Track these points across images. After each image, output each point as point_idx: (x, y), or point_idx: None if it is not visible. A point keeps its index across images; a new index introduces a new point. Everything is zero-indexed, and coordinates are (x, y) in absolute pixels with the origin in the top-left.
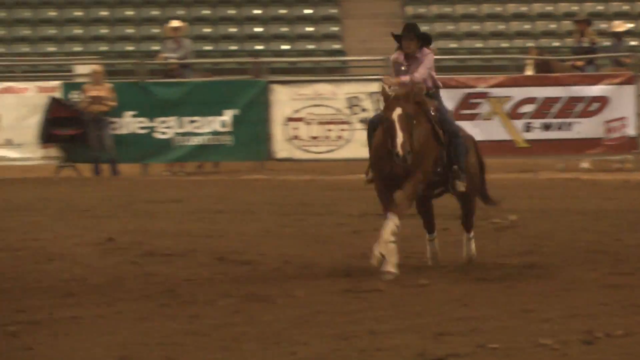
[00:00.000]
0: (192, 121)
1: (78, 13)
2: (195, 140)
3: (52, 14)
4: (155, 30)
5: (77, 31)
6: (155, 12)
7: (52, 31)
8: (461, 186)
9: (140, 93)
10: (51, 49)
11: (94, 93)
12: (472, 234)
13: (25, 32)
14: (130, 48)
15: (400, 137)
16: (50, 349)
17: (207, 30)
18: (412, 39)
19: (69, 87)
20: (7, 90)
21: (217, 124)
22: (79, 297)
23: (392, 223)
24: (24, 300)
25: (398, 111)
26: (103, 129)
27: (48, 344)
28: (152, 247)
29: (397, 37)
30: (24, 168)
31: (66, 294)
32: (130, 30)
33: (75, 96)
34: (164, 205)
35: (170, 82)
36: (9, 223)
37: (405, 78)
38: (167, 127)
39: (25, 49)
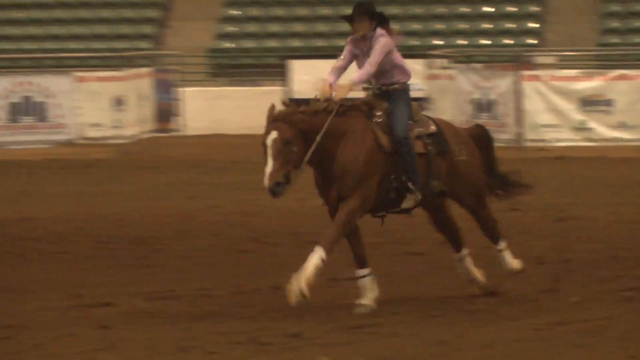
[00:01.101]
0: None
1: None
2: None
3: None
4: None
5: None
6: None
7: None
8: (409, 201)
9: None
10: None
11: None
12: (501, 244)
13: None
14: None
15: (269, 166)
16: None
17: None
18: (363, 19)
19: None
20: (621, 78)
21: None
22: None
23: (316, 257)
24: (638, 267)
25: (273, 135)
26: None
27: None
28: None
29: (347, 19)
30: (635, 148)
31: None
32: None
33: None
34: None
35: None
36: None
37: (346, 82)
38: None
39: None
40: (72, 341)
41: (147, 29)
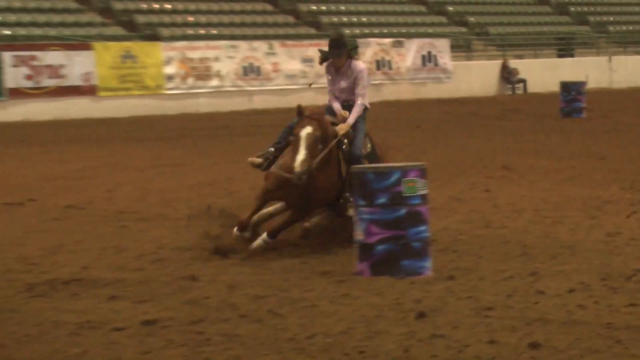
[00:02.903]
0: None
1: None
2: None
3: None
4: None
5: None
6: None
7: None
8: (352, 209)
9: None
10: None
11: None
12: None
13: None
14: None
15: (301, 155)
16: None
17: None
18: (341, 54)
19: None
20: None
21: None
22: None
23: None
24: None
25: (308, 129)
26: None
27: None
28: None
29: (324, 53)
30: None
31: None
32: None
33: None
34: None
35: None
36: None
37: (349, 118)
38: None
39: None
40: None
41: None
